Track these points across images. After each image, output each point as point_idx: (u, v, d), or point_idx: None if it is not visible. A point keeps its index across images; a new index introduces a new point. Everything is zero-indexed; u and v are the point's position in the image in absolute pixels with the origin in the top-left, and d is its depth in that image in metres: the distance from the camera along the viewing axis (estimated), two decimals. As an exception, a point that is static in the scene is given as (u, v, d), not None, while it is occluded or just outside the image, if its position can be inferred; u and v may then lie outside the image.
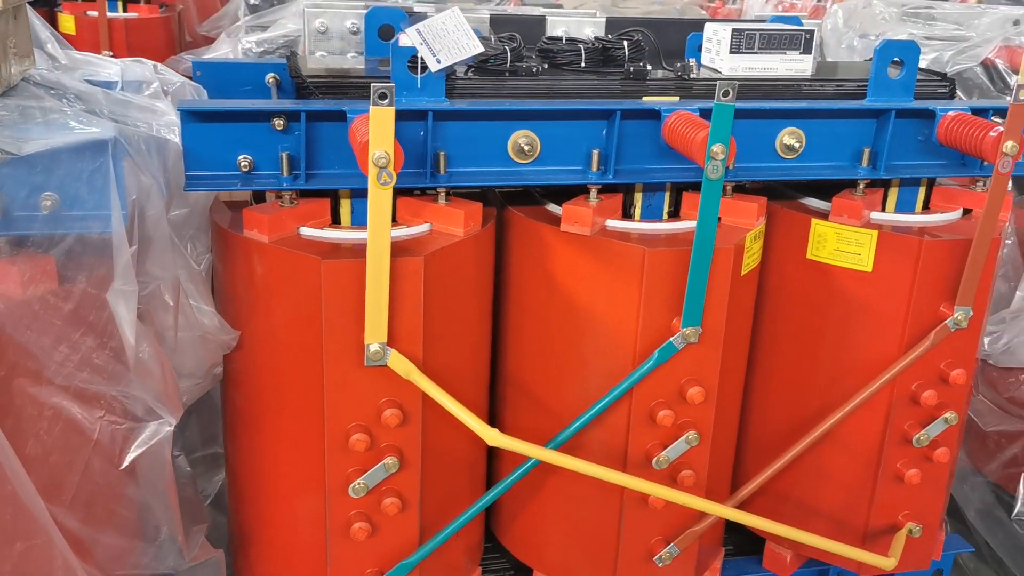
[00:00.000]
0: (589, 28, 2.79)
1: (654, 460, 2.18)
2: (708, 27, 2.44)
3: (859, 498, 2.45)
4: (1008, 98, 2.11)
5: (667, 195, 2.27)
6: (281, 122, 1.95)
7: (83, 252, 1.60)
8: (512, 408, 2.39)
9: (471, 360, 2.22)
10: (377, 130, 1.74)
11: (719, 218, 2.24)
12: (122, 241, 1.61)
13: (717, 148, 1.91)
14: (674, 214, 2.29)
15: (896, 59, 2.25)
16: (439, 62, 1.99)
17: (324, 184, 2.02)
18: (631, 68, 2.25)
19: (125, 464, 1.72)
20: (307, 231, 2.03)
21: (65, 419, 1.64)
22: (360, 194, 2.08)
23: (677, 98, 2.22)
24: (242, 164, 1.97)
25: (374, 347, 1.92)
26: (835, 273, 2.32)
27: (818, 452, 2.43)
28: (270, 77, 2.44)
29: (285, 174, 1.99)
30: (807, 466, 2.45)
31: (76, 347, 1.58)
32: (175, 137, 1.96)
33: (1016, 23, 3.82)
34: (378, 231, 1.82)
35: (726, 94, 1.88)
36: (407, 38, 1.97)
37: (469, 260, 2.12)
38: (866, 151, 2.27)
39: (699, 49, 2.67)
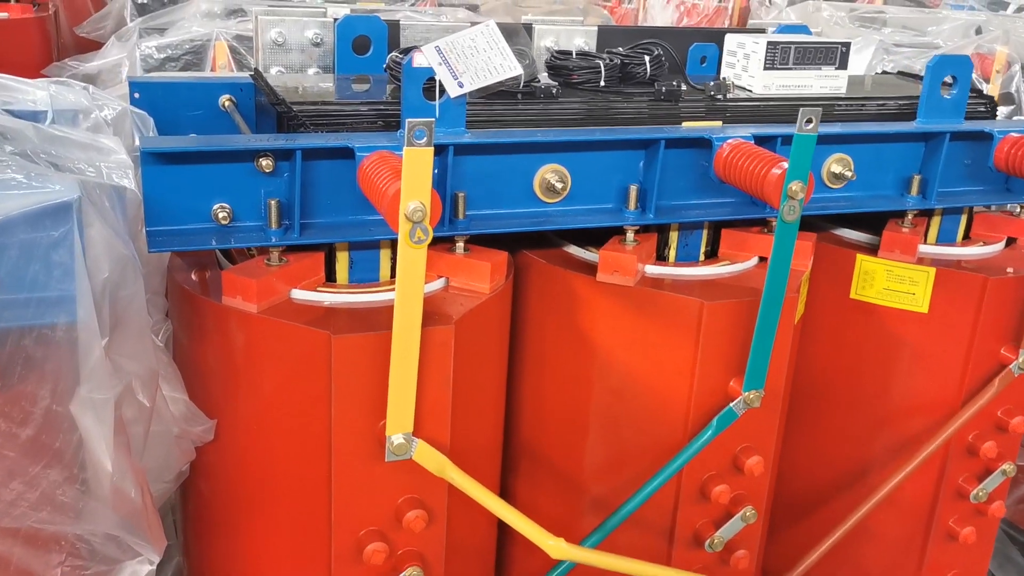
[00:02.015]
0: (580, 38, 2.48)
1: (707, 542, 1.89)
2: (730, 39, 2.16)
3: (907, 557, 2.22)
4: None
5: (705, 234, 1.98)
6: (269, 162, 1.56)
7: (37, 352, 1.18)
8: (528, 482, 2.06)
9: (491, 434, 1.88)
10: (412, 176, 1.38)
11: (763, 259, 1.97)
12: (92, 334, 1.21)
13: (796, 186, 1.62)
14: (709, 255, 2.00)
15: (949, 77, 2.03)
16: (461, 86, 1.64)
17: (323, 237, 1.64)
18: (663, 88, 1.95)
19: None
20: (300, 294, 1.65)
21: (13, 571, 1.22)
22: (362, 246, 1.71)
23: (719, 123, 1.93)
24: (219, 215, 1.58)
25: (398, 439, 1.55)
26: (884, 314, 2.08)
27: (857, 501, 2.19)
28: (225, 99, 2.04)
29: (274, 226, 1.60)
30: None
31: (33, 482, 1.17)
32: (129, 183, 1.55)
33: (978, 31, 3.71)
34: (409, 300, 1.46)
35: (809, 122, 1.60)
36: (423, 57, 1.62)
37: (495, 321, 1.78)
38: (915, 178, 2.04)
39: (702, 63, 2.41)
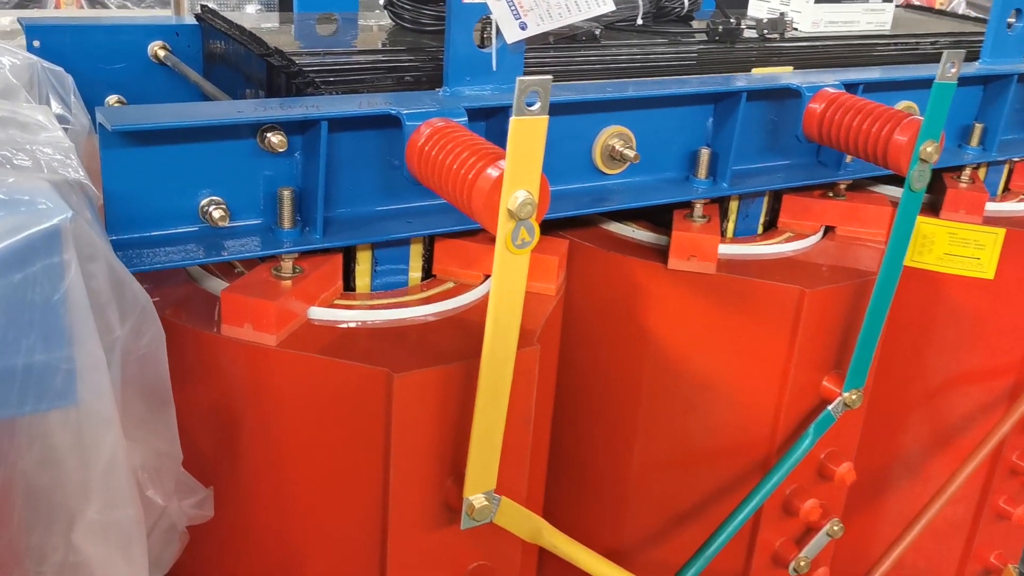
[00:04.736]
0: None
1: (791, 565, 1.62)
2: (764, -32, 1.84)
3: (954, 540, 2.04)
4: None
5: (766, 202, 1.67)
6: (280, 138, 1.13)
7: (18, 466, 0.74)
8: (570, 504, 1.72)
9: (539, 455, 1.53)
10: (521, 156, 0.99)
11: (832, 228, 1.69)
12: (102, 422, 0.77)
13: (931, 147, 1.33)
14: (767, 225, 1.70)
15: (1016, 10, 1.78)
16: (524, 28, 1.24)
17: (355, 236, 1.22)
18: (718, 26, 1.61)
19: None
20: (322, 313, 1.23)
21: None
22: (387, 242, 1.31)
23: (790, 68, 1.61)
24: (211, 212, 1.14)
25: (480, 501, 1.18)
26: (945, 282, 1.84)
27: (907, 491, 1.98)
28: (157, 47, 1.55)
29: (287, 224, 1.17)
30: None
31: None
32: (82, 175, 1.08)
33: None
34: (505, 325, 1.07)
35: (951, 67, 1.30)
36: (476, -10, 1.21)
37: (558, 328, 1.41)
38: (977, 127, 1.80)
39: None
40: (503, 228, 1.02)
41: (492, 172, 1.02)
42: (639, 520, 1.70)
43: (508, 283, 1.05)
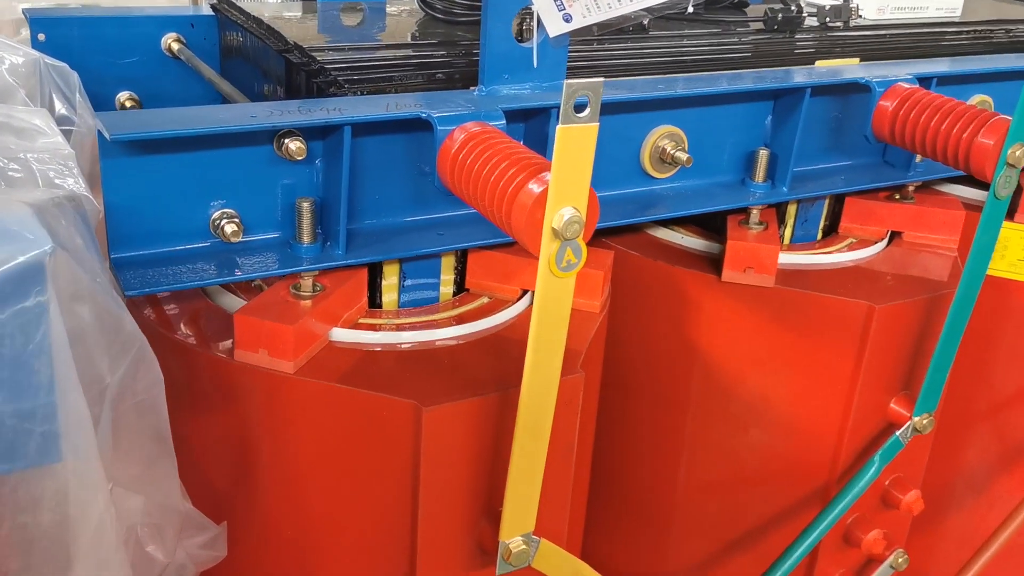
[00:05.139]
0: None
1: (853, 598, 1.51)
2: (823, -51, 1.70)
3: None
4: None
5: (826, 205, 1.54)
6: (299, 145, 1.02)
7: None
8: (608, 527, 1.61)
9: (580, 488, 1.42)
10: (568, 168, 0.87)
11: (898, 234, 1.56)
12: (89, 484, 0.67)
13: (1020, 151, 1.20)
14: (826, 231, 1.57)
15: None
16: (568, 20, 1.12)
17: (381, 252, 1.11)
18: (777, 15, 1.48)
19: None
20: (345, 335, 1.12)
21: None
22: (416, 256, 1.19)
23: (856, 60, 1.48)
24: (223, 227, 1.03)
25: (517, 544, 1.07)
26: (1015, 289, 1.70)
27: (970, 511, 1.85)
28: (171, 40, 1.44)
29: (306, 239, 1.07)
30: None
31: None
32: (82, 187, 0.98)
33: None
34: (547, 353, 0.96)
35: (1045, 65, 1.17)
36: (516, -21, 1.09)
37: (601, 349, 1.30)
38: (1058, 123, 1.65)
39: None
40: (546, 249, 0.90)
41: (535, 187, 0.90)
42: (684, 546, 1.58)
43: (551, 309, 0.94)
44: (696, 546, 1.57)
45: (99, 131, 0.94)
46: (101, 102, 1.41)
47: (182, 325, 1.12)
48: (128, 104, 1.43)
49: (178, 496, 0.86)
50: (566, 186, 0.88)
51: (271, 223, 1.07)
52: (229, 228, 1.03)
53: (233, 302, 1.16)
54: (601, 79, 0.85)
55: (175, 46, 1.42)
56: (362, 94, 1.11)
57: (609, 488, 1.59)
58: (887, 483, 1.48)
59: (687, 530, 1.57)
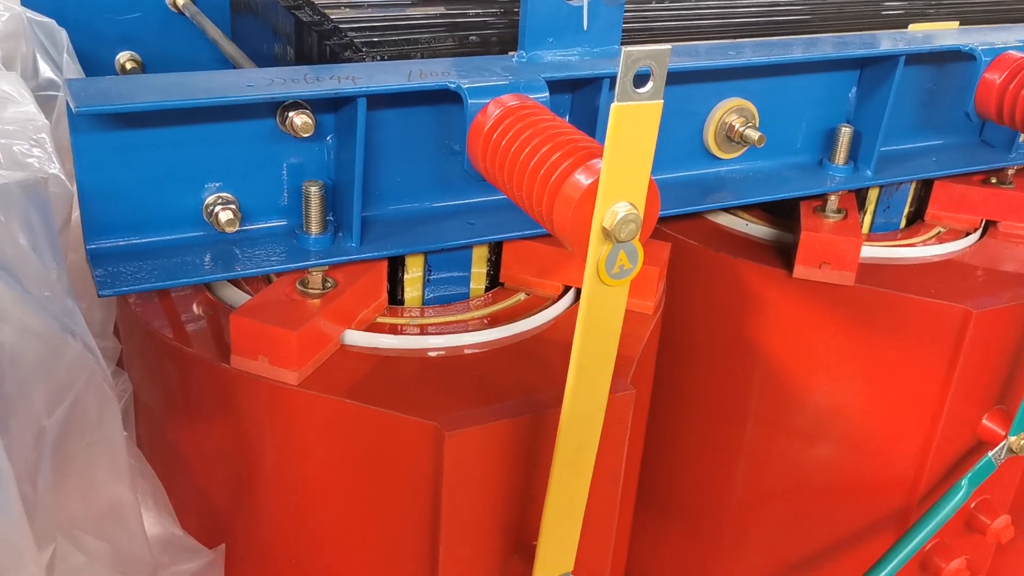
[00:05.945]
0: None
1: (929, 633, 1.35)
2: None
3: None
4: None
5: (912, 190, 1.36)
6: (307, 120, 0.87)
7: None
8: (653, 539, 1.47)
9: (626, 513, 1.26)
10: (624, 154, 0.71)
11: (994, 223, 1.38)
12: (16, 548, 0.53)
13: None
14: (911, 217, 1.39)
15: None
16: (625, -26, 0.95)
17: (400, 246, 0.96)
18: (863, -29, 1.29)
19: None
20: (360, 337, 0.98)
21: None
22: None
23: (956, 24, 1.29)
24: (216, 214, 0.88)
25: (555, 586, 0.92)
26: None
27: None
28: (178, -5, 1.29)
29: (315, 229, 0.92)
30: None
31: None
32: (54, 166, 0.84)
33: None
34: (593, 373, 0.81)
35: None
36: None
37: (654, 354, 1.14)
38: None
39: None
40: (595, 252, 0.74)
41: (583, 178, 0.74)
42: (735, 563, 1.43)
43: (599, 321, 0.78)
44: (748, 562, 1.42)
45: (66, 102, 0.80)
46: (100, 63, 1.27)
47: (175, 323, 0.98)
48: (129, 66, 1.29)
49: (145, 548, 0.72)
50: (621, 177, 0.72)
51: (274, 210, 0.93)
52: (224, 215, 0.88)
53: (237, 296, 1.02)
54: (668, 46, 0.69)
55: (180, 1, 1.27)
56: (382, 59, 0.95)
57: (654, 497, 1.44)
58: (972, 506, 1.31)
59: (739, 544, 1.42)
